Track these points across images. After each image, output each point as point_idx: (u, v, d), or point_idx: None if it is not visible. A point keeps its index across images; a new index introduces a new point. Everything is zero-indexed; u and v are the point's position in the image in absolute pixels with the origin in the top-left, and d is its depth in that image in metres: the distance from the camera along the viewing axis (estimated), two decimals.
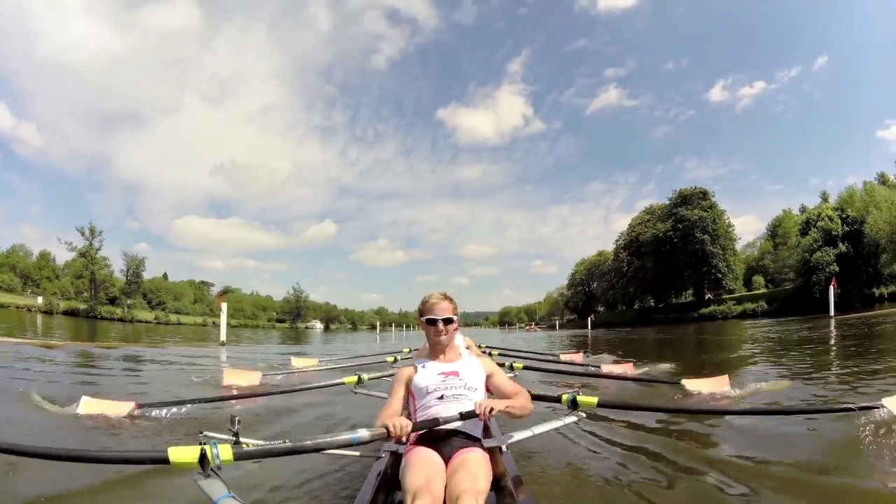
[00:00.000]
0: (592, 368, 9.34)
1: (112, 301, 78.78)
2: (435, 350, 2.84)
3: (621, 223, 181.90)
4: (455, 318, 2.83)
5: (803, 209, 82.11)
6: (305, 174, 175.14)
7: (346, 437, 2.31)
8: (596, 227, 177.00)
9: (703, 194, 71.52)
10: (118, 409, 5.15)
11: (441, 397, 2.66)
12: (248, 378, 7.69)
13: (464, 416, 2.48)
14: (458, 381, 2.71)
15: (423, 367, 2.78)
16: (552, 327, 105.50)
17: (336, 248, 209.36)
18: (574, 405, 3.17)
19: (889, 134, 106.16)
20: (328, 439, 2.34)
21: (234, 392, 7.18)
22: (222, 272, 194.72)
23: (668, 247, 70.73)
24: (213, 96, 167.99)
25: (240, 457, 2.09)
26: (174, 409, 5.35)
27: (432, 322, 2.78)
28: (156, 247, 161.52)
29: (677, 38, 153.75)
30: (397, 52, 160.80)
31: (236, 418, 2.31)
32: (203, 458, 1.99)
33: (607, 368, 8.85)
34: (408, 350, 9.82)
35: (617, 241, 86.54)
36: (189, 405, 5.43)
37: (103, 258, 77.02)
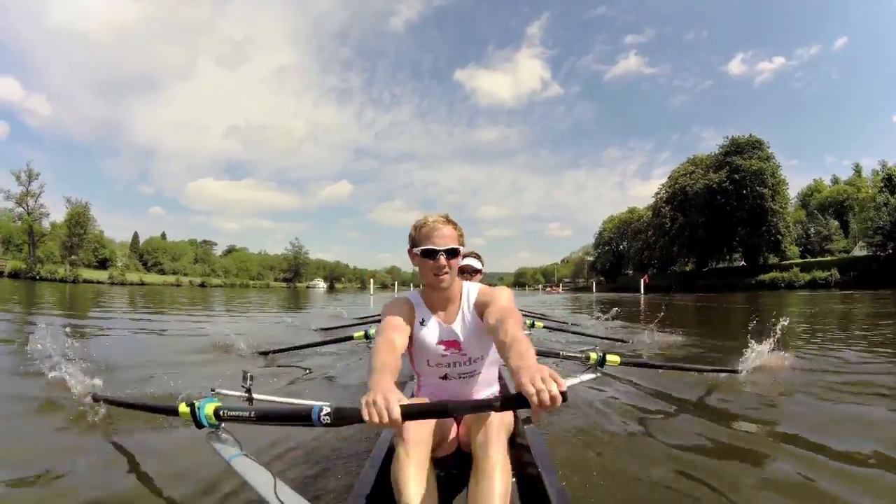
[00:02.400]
0: (618, 344, 7.96)
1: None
2: (433, 297, 2.14)
3: (637, 189, 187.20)
4: (461, 248, 2.08)
5: (835, 180, 75.82)
6: (321, 135, 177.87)
7: (307, 406, 1.61)
8: (612, 192, 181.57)
9: (759, 144, 60.87)
10: None
11: (444, 377, 2.15)
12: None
13: (477, 408, 1.59)
14: (461, 355, 2.12)
15: (422, 322, 2.13)
16: (580, 289, 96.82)
17: (351, 208, 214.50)
18: (602, 362, 3.50)
19: None
20: (290, 409, 1.77)
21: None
22: (236, 233, 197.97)
23: (722, 200, 60.16)
24: (228, 59, 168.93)
25: (222, 419, 1.93)
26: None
27: (431, 254, 2.03)
28: (170, 210, 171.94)
29: (697, 8, 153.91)
30: (415, 14, 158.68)
31: (248, 374, 2.50)
32: (193, 414, 1.96)
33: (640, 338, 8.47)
34: None
35: (657, 193, 75.50)
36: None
37: (40, 207, 66.79)
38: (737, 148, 60.53)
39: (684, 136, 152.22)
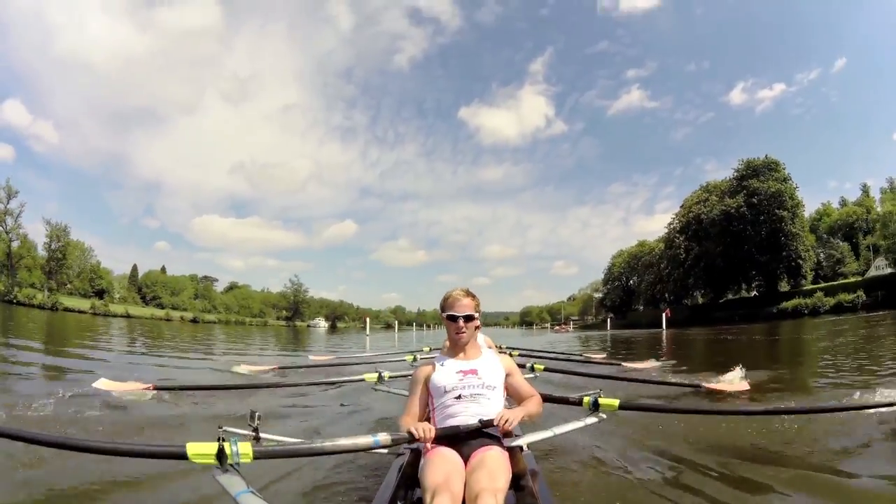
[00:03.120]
0: (614, 368, 9.23)
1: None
2: (455, 347, 2.81)
3: (641, 225, 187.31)
4: (477, 315, 2.79)
5: (843, 202, 74.82)
6: (326, 174, 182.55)
7: (367, 440, 2.35)
8: (616, 228, 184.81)
9: (774, 165, 58.99)
10: (134, 387, 5.55)
11: (458, 397, 2.62)
12: (263, 370, 8.16)
13: (483, 425, 2.43)
14: (477, 379, 2.67)
15: (442, 364, 2.75)
16: (588, 326, 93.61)
17: (356, 248, 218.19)
18: (595, 407, 3.31)
19: None
20: (348, 442, 2.37)
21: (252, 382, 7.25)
22: (241, 271, 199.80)
23: (740, 226, 57.85)
24: (233, 95, 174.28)
25: (259, 456, 2.04)
26: (190, 394, 6.01)
27: (453, 318, 2.73)
28: (175, 245, 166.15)
29: (698, 39, 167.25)
30: (419, 51, 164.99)
31: (256, 413, 2.53)
32: (221, 453, 1.97)
33: (630, 366, 9.34)
34: (427, 349, 10.06)
35: (670, 224, 73.20)
36: (206, 391, 6.18)
37: (18, 227, 64.41)
38: (752, 171, 58.67)
39: (687, 169, 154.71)
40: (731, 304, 63.91)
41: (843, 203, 75.10)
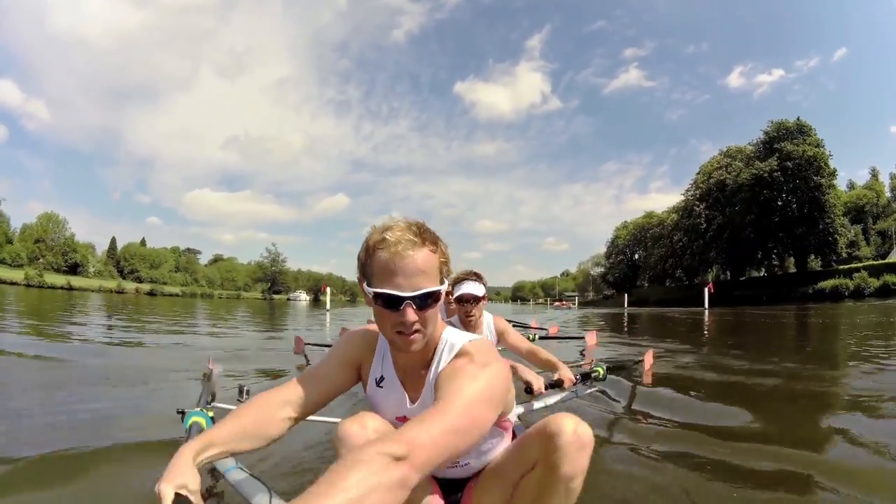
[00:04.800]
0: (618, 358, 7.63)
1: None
2: (399, 356, 1.49)
3: (634, 203, 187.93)
4: (444, 287, 1.35)
5: (851, 185, 73.44)
6: (319, 148, 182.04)
7: None
8: (608, 206, 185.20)
9: (807, 129, 53.39)
10: None
11: None
12: None
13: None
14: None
15: (379, 383, 1.50)
16: (589, 303, 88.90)
17: (348, 221, 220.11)
18: (594, 378, 3.33)
19: None
20: None
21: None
22: (233, 245, 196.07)
23: (770, 193, 52.38)
24: (228, 70, 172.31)
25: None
26: None
27: (391, 302, 1.31)
28: (167, 220, 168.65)
29: (697, 21, 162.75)
30: (416, 26, 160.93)
31: (245, 388, 2.57)
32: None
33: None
34: None
35: (687, 191, 67.99)
36: None
37: None
38: (784, 133, 53.04)
39: (682, 149, 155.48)
40: (753, 282, 59.04)
41: (852, 186, 71.91)
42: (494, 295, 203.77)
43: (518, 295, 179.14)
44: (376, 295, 1.27)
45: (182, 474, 1.13)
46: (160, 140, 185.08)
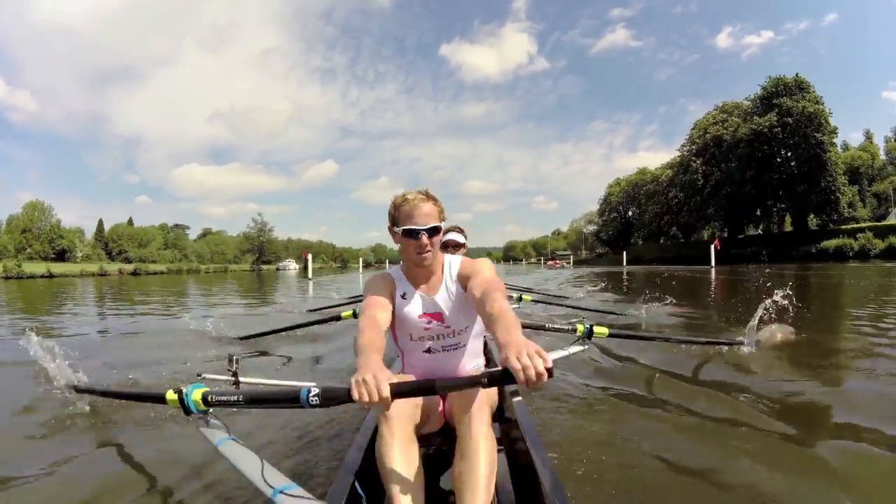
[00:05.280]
0: (610, 317, 7.86)
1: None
2: (415, 273, 2.11)
3: (624, 162, 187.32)
4: (442, 225, 2.08)
5: (846, 147, 72.68)
6: (307, 116, 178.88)
7: (295, 388, 1.65)
8: (598, 164, 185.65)
9: (805, 85, 51.95)
10: None
11: (428, 350, 2.11)
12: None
13: (465, 385, 1.56)
14: (444, 328, 2.09)
15: (403, 296, 2.10)
16: (583, 261, 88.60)
17: (337, 188, 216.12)
18: (589, 335, 3.61)
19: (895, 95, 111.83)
20: (278, 392, 1.85)
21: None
22: (223, 218, 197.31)
23: (770, 149, 51.47)
24: (211, 43, 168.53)
25: (212, 404, 1.96)
26: None
27: (412, 234, 2.00)
28: (156, 198, 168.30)
29: None
30: None
31: (234, 357, 2.56)
32: (182, 403, 1.99)
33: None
34: None
35: (683, 146, 66.74)
36: None
37: None
38: (783, 88, 51.67)
39: (671, 109, 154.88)
40: (750, 240, 58.74)
41: (846, 147, 71.17)
42: (486, 255, 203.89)
43: (510, 255, 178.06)
44: (404, 231, 1.97)
45: (382, 369, 1.45)
46: (145, 119, 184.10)
